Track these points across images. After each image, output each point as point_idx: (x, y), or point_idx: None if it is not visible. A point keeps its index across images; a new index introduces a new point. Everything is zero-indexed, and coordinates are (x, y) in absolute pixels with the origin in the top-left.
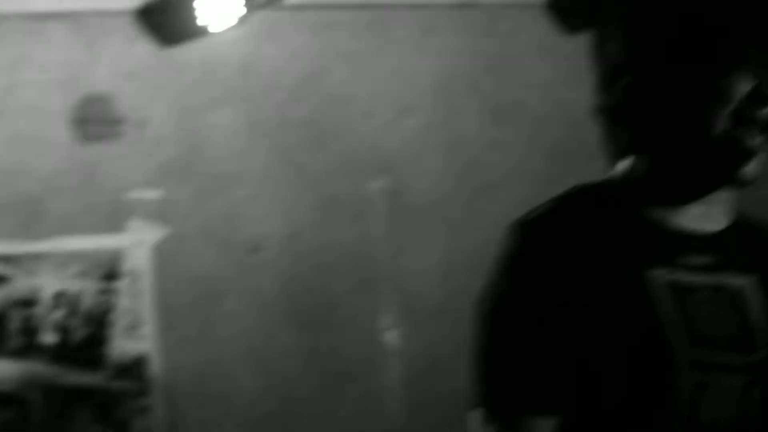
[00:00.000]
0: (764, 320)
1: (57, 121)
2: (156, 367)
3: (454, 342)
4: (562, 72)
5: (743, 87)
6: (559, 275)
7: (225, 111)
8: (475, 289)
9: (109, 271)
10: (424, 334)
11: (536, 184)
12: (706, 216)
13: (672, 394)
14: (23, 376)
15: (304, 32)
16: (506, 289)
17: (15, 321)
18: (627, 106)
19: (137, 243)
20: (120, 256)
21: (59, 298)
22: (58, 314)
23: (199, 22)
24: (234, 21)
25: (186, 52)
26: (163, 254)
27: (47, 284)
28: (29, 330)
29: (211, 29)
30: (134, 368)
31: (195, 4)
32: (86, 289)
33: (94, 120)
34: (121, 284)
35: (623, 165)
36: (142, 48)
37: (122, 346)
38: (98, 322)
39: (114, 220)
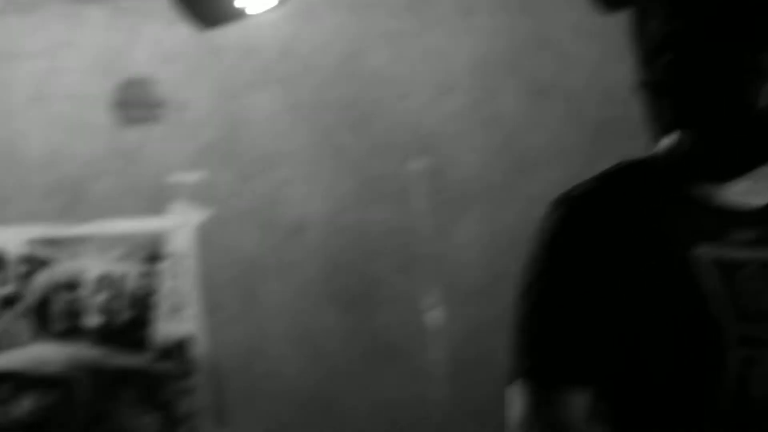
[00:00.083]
0: None
1: (98, 105)
2: (200, 348)
3: (496, 320)
4: (600, 50)
5: None
6: (601, 252)
7: (265, 93)
8: (517, 267)
9: (152, 254)
10: (466, 312)
11: (576, 162)
12: (751, 191)
13: (719, 370)
14: (68, 359)
15: (343, 13)
16: (548, 265)
17: (59, 304)
18: (669, 82)
19: (180, 225)
20: (163, 238)
21: (103, 280)
22: (102, 297)
23: (237, 4)
24: (272, 3)
25: (225, 34)
26: (205, 236)
27: (91, 267)
28: (73, 313)
29: (249, 11)
30: (178, 350)
31: None
32: (129, 271)
33: (135, 103)
34: (164, 266)
35: (667, 141)
36: (182, 31)
37: (166, 327)
38: (142, 305)
39: (156, 202)
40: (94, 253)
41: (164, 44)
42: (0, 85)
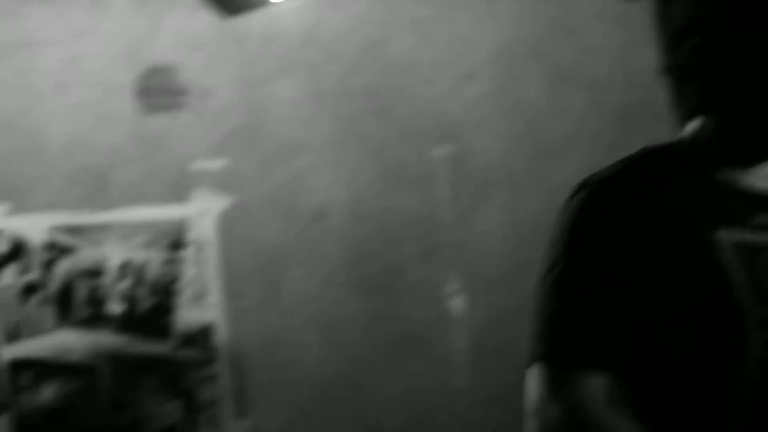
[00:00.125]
0: None
1: (121, 93)
2: (222, 335)
3: (519, 308)
4: (623, 36)
5: None
6: (624, 235)
7: (288, 80)
8: (540, 254)
9: (175, 241)
10: (488, 300)
11: (599, 149)
12: None
13: (741, 354)
14: (90, 346)
15: (365, 0)
16: (570, 248)
17: (82, 291)
18: (694, 67)
19: (202, 212)
20: (185, 225)
21: (125, 268)
22: (125, 284)
23: None
24: None
25: (248, 22)
26: (228, 223)
27: (113, 254)
28: (96, 300)
29: None
30: (200, 337)
31: None
32: (152, 258)
33: (158, 91)
34: (187, 254)
35: (692, 126)
36: (205, 19)
37: (188, 315)
38: (164, 292)
39: (179, 190)
40: (117, 241)
41: (187, 32)
42: (23, 73)
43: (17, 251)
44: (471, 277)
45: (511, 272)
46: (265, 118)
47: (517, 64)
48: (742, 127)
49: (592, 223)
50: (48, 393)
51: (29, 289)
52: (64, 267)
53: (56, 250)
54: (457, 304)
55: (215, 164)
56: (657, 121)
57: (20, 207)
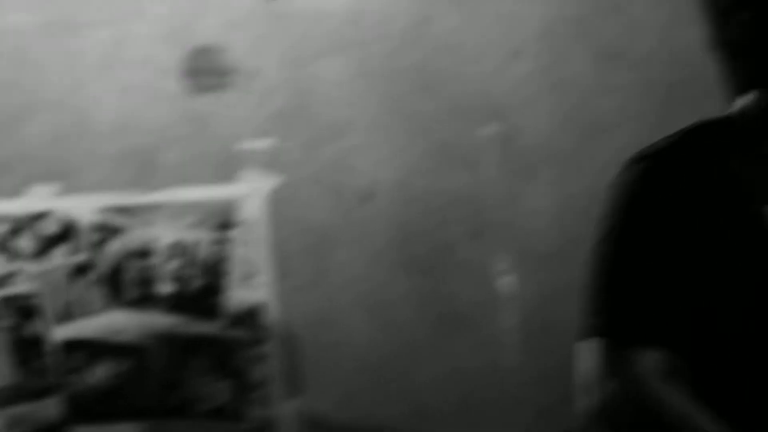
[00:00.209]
0: None
1: (167, 73)
2: (272, 315)
3: (569, 286)
4: (669, 13)
5: None
6: (676, 209)
7: (334, 60)
8: (589, 232)
9: (224, 221)
10: (538, 278)
11: (646, 126)
12: None
13: None
14: (141, 327)
15: None
16: (623, 222)
17: (131, 272)
18: (745, 42)
19: (250, 192)
20: (233, 205)
21: (174, 248)
22: (174, 264)
23: None
24: None
25: (293, 1)
26: (276, 203)
27: (162, 235)
28: (145, 280)
29: None
30: (250, 317)
31: None
32: (201, 239)
33: (205, 71)
34: (236, 234)
35: (742, 101)
36: None
37: (238, 295)
38: (214, 272)
39: (226, 170)
40: (166, 221)
41: (233, 11)
42: (69, 54)
43: (67, 232)
44: (520, 255)
45: (561, 250)
46: (312, 97)
47: (563, 42)
48: None
49: (645, 197)
50: (99, 373)
51: (79, 270)
52: (113, 247)
53: (106, 231)
54: (506, 283)
55: (262, 144)
56: (704, 98)
57: (69, 188)
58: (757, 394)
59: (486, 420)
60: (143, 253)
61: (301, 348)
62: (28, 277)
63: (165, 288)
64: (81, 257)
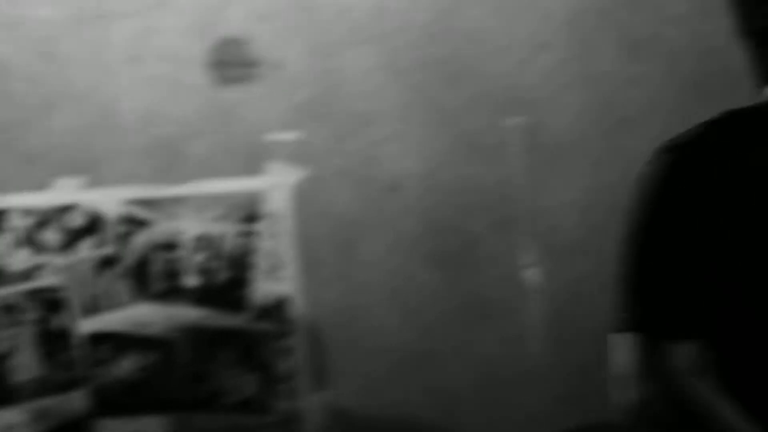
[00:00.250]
0: None
1: (193, 65)
2: (298, 307)
3: (595, 278)
4: (698, 3)
5: None
6: (705, 201)
7: (360, 51)
8: (614, 224)
9: (249, 214)
10: (564, 271)
11: (674, 118)
12: None
13: None
14: (167, 319)
15: None
16: (654, 213)
17: (157, 264)
18: None
19: (276, 185)
20: (259, 198)
21: (200, 240)
22: (200, 257)
23: None
24: None
25: None
26: (302, 195)
27: (188, 227)
28: (171, 273)
29: None
30: (276, 310)
31: None
32: (227, 231)
33: (230, 63)
34: (262, 226)
35: None
36: None
37: (264, 287)
38: (240, 265)
39: (252, 162)
40: (192, 214)
41: (259, 3)
42: (95, 46)
43: (93, 225)
44: (546, 247)
45: (587, 242)
46: (338, 89)
47: (590, 33)
48: None
49: (675, 188)
50: (125, 366)
51: (105, 263)
52: (139, 240)
53: (132, 224)
54: (531, 274)
55: (288, 136)
56: (733, 89)
57: (95, 180)
58: None
59: (511, 411)
60: (169, 245)
61: (327, 340)
62: (55, 270)
63: (191, 281)
64: (107, 250)
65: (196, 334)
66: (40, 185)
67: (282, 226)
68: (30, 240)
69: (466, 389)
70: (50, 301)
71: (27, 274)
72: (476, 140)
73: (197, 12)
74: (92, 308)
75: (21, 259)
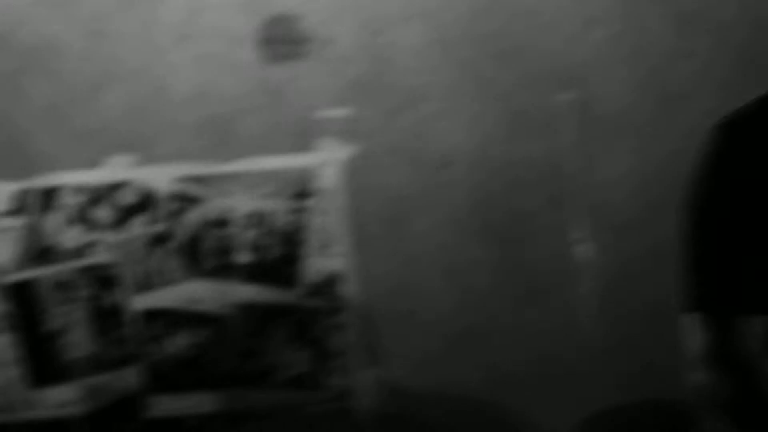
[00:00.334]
0: None
1: (243, 42)
2: (350, 284)
3: (647, 253)
4: None
5: None
6: (763, 176)
7: (410, 27)
8: (667, 198)
9: (301, 190)
10: (616, 246)
11: (725, 93)
12: None
13: None
14: (219, 296)
15: None
16: (712, 190)
17: (209, 241)
18: None
19: (327, 161)
20: (311, 174)
21: (252, 217)
22: (252, 234)
23: None
24: None
25: None
26: (353, 172)
27: (240, 204)
28: (224, 250)
29: None
30: (328, 286)
31: None
32: (278, 208)
33: (281, 40)
34: (313, 203)
35: None
36: None
37: (316, 264)
38: (291, 241)
39: (303, 139)
40: (243, 191)
41: None
42: (146, 24)
43: (145, 202)
44: (598, 223)
45: (639, 218)
46: (388, 65)
47: (641, 7)
48: None
49: (737, 163)
50: (178, 343)
51: (158, 240)
52: (191, 217)
53: (183, 201)
54: (583, 251)
55: (339, 113)
56: None
57: (147, 158)
58: None
59: (563, 388)
60: (221, 222)
61: (378, 316)
62: (107, 247)
63: (243, 257)
64: (159, 227)
65: (248, 311)
66: (92, 163)
67: (333, 203)
68: (82, 217)
69: (518, 364)
70: (103, 279)
71: (80, 252)
72: (527, 116)
73: None
74: (145, 285)
75: (74, 237)
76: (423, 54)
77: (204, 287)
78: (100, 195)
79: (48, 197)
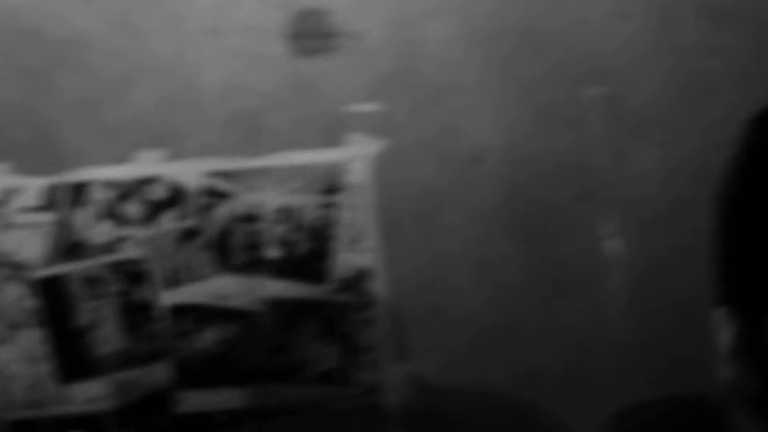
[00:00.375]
0: None
1: (273, 37)
2: (379, 279)
3: (677, 248)
4: None
5: None
6: None
7: (440, 21)
8: (697, 193)
9: (330, 185)
10: (645, 241)
11: (757, 87)
12: None
13: None
14: (248, 292)
15: None
16: (742, 184)
17: (238, 237)
18: None
19: (357, 156)
20: (340, 169)
21: (281, 212)
22: (281, 229)
23: None
24: None
25: None
26: (382, 167)
27: (269, 200)
28: (253, 245)
29: None
30: (357, 281)
31: None
32: (308, 203)
33: (310, 34)
34: (342, 198)
35: None
36: None
37: (345, 259)
38: (320, 236)
39: (333, 134)
40: (273, 186)
41: None
42: (175, 19)
43: (174, 197)
44: (627, 218)
45: (669, 212)
46: (418, 60)
47: (671, 1)
48: None
49: (765, 159)
50: (207, 338)
51: (187, 235)
52: (221, 212)
53: (213, 196)
54: (613, 245)
55: (369, 107)
56: None
57: (177, 153)
58: None
59: (593, 383)
60: (250, 217)
61: (408, 311)
62: (137, 242)
63: (272, 252)
64: (189, 222)
65: (277, 306)
66: (122, 158)
67: (362, 198)
68: (112, 213)
69: (547, 360)
70: (132, 274)
71: (109, 247)
72: (556, 111)
73: None
74: (174, 280)
75: (103, 232)
76: (452, 48)
77: (233, 283)
78: (129, 190)
79: (78, 192)
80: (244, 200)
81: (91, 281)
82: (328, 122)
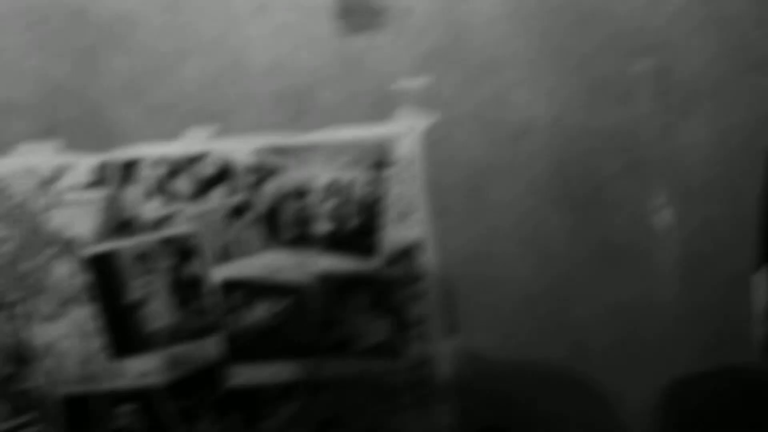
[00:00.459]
0: None
1: (320, 14)
2: (428, 253)
3: (727, 220)
4: None
5: None
6: None
7: None
8: (747, 166)
9: (379, 160)
10: (695, 213)
11: None
12: None
13: None
14: (298, 266)
15: None
16: None
17: (288, 212)
18: None
19: (406, 131)
20: (389, 144)
21: (331, 188)
22: (330, 204)
23: None
24: None
25: None
26: (431, 141)
27: (318, 175)
28: (302, 221)
29: None
30: (407, 255)
31: None
32: (357, 178)
33: (358, 11)
34: (391, 172)
35: None
36: None
37: (395, 233)
38: (370, 211)
39: (381, 109)
40: (322, 161)
41: None
42: None
43: (224, 173)
44: (677, 190)
45: (718, 184)
46: (466, 34)
47: None
48: None
49: None
50: (257, 313)
51: (236, 211)
52: (270, 188)
53: (262, 172)
54: (662, 217)
55: (417, 82)
56: None
57: (226, 129)
58: None
59: (644, 355)
60: (299, 193)
61: (457, 285)
62: (187, 218)
63: (321, 227)
64: (238, 198)
65: (326, 281)
66: (172, 135)
67: (411, 172)
68: (162, 189)
69: (598, 333)
70: (182, 250)
71: (159, 223)
72: (605, 84)
73: None
74: (224, 256)
75: (153, 208)
76: (500, 23)
77: (282, 258)
78: (178, 167)
79: (128, 169)
80: (293, 176)
81: (142, 257)
82: (377, 97)
